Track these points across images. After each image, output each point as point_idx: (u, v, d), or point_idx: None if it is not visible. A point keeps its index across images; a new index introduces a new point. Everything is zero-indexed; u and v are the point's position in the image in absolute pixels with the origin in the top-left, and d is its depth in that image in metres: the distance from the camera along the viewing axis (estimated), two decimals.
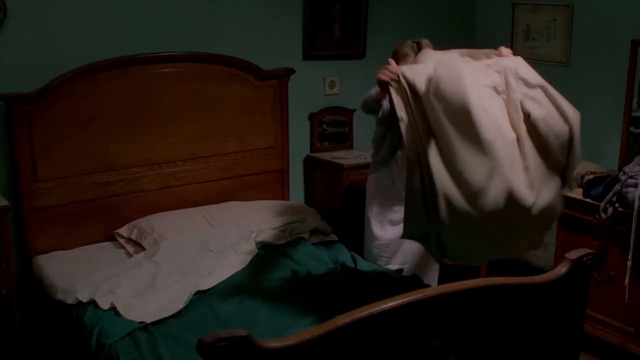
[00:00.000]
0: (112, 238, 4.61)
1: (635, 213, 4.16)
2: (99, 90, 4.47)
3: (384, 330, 2.61)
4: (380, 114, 4.26)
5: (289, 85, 5.18)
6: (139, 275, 4.02)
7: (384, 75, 3.42)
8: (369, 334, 2.58)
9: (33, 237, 4.40)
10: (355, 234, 4.77)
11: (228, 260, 4.17)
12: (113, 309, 3.66)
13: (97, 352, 3.42)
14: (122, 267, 4.16)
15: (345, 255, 4.45)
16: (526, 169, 3.11)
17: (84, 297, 3.80)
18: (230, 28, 5.00)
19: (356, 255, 4.44)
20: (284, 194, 5.29)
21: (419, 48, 4.05)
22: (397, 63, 3.75)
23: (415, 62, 3.65)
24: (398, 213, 4.16)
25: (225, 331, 2.32)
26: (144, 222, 4.55)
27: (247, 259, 4.24)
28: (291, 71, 5.17)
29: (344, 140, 5.61)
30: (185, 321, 3.57)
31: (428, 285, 4.03)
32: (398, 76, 3.20)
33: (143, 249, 4.37)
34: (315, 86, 5.47)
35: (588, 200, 4.43)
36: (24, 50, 4.32)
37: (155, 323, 3.56)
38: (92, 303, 3.74)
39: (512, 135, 3.15)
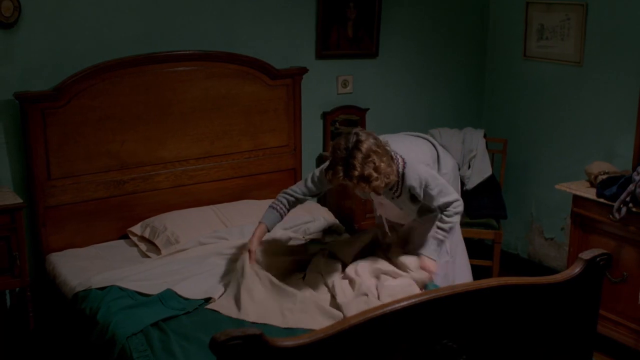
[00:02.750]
0: (125, 236, 4.63)
1: None
2: (113, 88, 4.49)
3: (396, 330, 2.61)
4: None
5: (302, 84, 5.18)
6: (161, 268, 4.11)
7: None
8: (382, 333, 2.58)
9: (47, 235, 4.42)
10: None
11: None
12: (127, 305, 3.68)
13: (109, 348, 3.44)
14: (140, 264, 4.23)
15: None
16: None
17: (99, 284, 3.88)
18: (244, 27, 5.00)
19: None
20: None
21: (350, 153, 3.57)
22: (328, 169, 3.70)
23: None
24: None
25: (238, 329, 2.33)
26: (157, 220, 4.56)
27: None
28: (304, 70, 5.17)
29: None
30: (197, 319, 3.58)
31: None
32: None
33: (156, 247, 4.39)
34: (329, 85, 5.46)
35: (602, 200, 4.41)
36: (39, 49, 4.34)
37: (167, 319, 3.57)
38: (105, 299, 3.76)
39: None
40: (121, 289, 3.85)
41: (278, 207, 4.02)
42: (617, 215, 4.26)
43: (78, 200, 4.48)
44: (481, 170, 5.52)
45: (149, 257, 4.36)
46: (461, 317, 2.75)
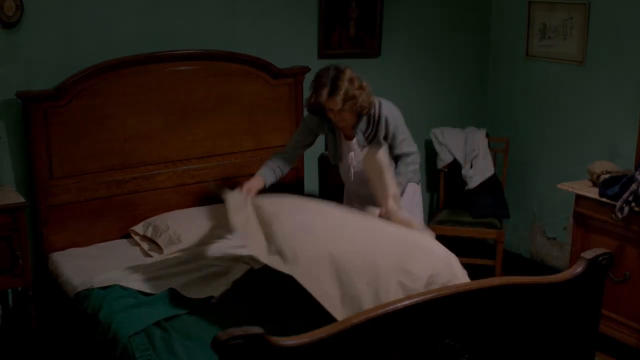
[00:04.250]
0: (127, 235, 4.63)
1: None
2: (115, 88, 4.49)
3: (398, 329, 2.62)
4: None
5: (304, 83, 5.18)
6: (164, 268, 4.11)
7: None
8: (384, 332, 2.58)
9: (49, 234, 4.42)
10: None
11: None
12: (129, 305, 3.68)
13: (111, 348, 3.44)
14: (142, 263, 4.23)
15: None
16: None
17: (101, 283, 3.88)
18: (246, 26, 5.00)
19: None
20: (298, 192, 5.29)
21: (336, 74, 4.02)
22: (311, 88, 4.08)
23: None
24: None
25: (240, 328, 2.33)
26: (159, 219, 4.56)
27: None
28: (306, 69, 5.17)
29: None
30: (200, 319, 3.58)
31: None
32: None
33: (158, 246, 4.39)
34: None
35: (604, 199, 4.41)
36: (41, 49, 4.35)
37: (169, 319, 3.57)
38: (107, 298, 3.76)
39: None
40: (123, 288, 3.86)
41: (270, 163, 4.37)
42: (619, 215, 4.26)
43: (80, 199, 4.48)
44: (483, 170, 5.54)
45: (151, 256, 4.36)
46: (463, 316, 2.75)
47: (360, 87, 4.05)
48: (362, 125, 4.21)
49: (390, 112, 4.23)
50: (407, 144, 4.28)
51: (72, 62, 4.39)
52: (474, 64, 6.13)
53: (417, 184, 4.52)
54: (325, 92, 3.98)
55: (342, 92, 3.97)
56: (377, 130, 4.22)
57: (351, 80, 4.01)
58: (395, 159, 4.29)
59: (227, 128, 4.92)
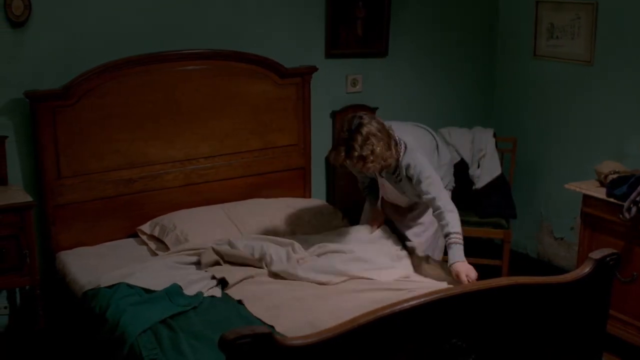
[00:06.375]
0: (134, 235, 4.64)
1: None
2: (123, 87, 4.50)
3: (405, 329, 2.61)
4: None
5: (312, 83, 5.18)
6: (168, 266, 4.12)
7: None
8: (391, 332, 2.58)
9: (56, 233, 4.43)
10: None
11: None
12: (135, 302, 3.69)
13: (119, 346, 3.44)
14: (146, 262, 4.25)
15: None
16: None
17: (108, 282, 3.89)
18: (253, 26, 5.01)
19: None
20: (306, 192, 5.29)
21: (351, 135, 3.84)
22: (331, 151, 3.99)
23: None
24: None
25: (247, 328, 2.33)
26: (167, 219, 4.57)
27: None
28: (314, 69, 5.17)
29: None
30: (207, 318, 3.58)
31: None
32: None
33: (165, 245, 4.39)
34: (338, 84, 5.46)
35: (612, 199, 4.40)
36: (49, 48, 4.36)
37: (175, 316, 3.58)
38: (114, 297, 3.76)
39: None
40: (130, 286, 3.86)
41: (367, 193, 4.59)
42: (627, 215, 4.25)
43: (87, 198, 4.49)
44: (490, 170, 5.52)
45: (158, 255, 4.36)
46: (470, 316, 2.75)
47: (373, 152, 3.84)
48: (389, 173, 4.17)
49: (412, 159, 4.04)
50: (433, 185, 4.01)
51: (80, 61, 4.40)
52: (481, 63, 6.12)
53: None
54: (342, 152, 3.86)
55: (356, 155, 3.83)
56: (402, 176, 4.11)
57: (365, 141, 3.81)
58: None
59: (233, 128, 4.92)
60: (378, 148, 3.84)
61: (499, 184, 5.53)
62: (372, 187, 4.54)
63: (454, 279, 3.83)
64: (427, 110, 5.87)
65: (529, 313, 2.89)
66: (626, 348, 4.48)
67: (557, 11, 5.50)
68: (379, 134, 3.87)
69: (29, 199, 4.11)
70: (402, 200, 4.43)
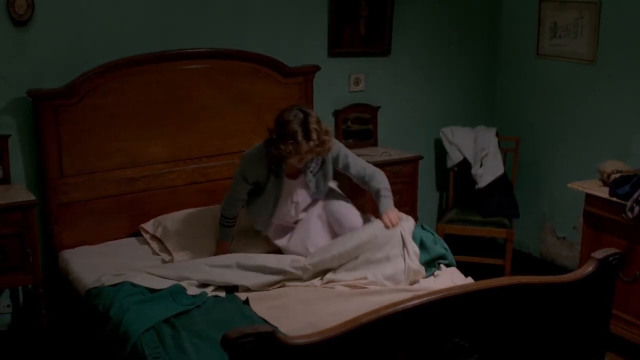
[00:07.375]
0: (137, 233, 4.64)
1: None
2: (126, 86, 4.50)
3: (408, 328, 2.61)
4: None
5: (314, 82, 5.18)
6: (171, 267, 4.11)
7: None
8: (393, 331, 2.58)
9: (59, 232, 4.44)
10: None
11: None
12: (139, 301, 3.69)
13: (122, 345, 3.45)
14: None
15: None
16: None
17: (112, 281, 3.88)
18: (256, 25, 5.01)
19: None
20: None
21: (305, 118, 3.93)
22: (280, 135, 3.96)
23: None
24: None
25: (249, 327, 2.33)
26: (169, 220, 4.54)
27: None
28: (316, 68, 5.17)
29: (369, 137, 5.60)
30: (210, 317, 3.59)
31: None
32: None
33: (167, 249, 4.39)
34: (341, 83, 5.46)
35: (614, 199, 4.39)
36: (52, 47, 4.36)
37: (178, 315, 3.58)
38: (117, 296, 3.76)
39: None
40: (133, 285, 3.86)
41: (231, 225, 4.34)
42: (629, 215, 4.25)
43: (90, 197, 4.50)
44: (493, 169, 5.53)
45: (159, 255, 4.36)
46: (473, 316, 2.74)
47: (327, 132, 4.03)
48: (312, 164, 4.19)
49: (339, 146, 4.26)
50: (360, 161, 4.31)
51: (83, 60, 4.40)
52: (484, 63, 6.12)
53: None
54: (299, 136, 3.90)
55: (315, 137, 3.92)
56: (323, 163, 4.21)
57: (318, 124, 3.96)
58: (360, 180, 4.34)
59: (237, 127, 4.92)
60: (329, 129, 4.07)
61: (501, 183, 5.53)
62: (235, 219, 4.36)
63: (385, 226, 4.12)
64: (429, 109, 5.87)
65: (532, 312, 2.89)
66: (629, 347, 4.48)
67: (561, 10, 5.49)
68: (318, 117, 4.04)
69: (32, 197, 4.12)
70: (294, 212, 4.28)
